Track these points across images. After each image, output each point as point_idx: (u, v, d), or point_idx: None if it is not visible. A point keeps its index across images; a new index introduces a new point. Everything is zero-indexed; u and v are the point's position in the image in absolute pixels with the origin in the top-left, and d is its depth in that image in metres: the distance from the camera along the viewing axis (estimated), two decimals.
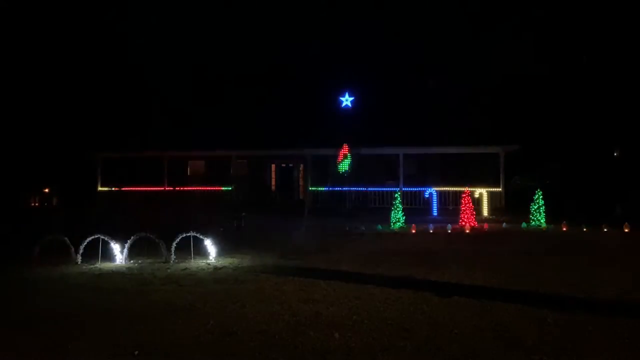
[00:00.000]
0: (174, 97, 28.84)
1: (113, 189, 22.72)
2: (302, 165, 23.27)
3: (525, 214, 15.01)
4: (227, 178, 22.46)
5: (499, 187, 20.74)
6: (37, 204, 27.88)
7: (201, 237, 9.55)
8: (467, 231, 13.34)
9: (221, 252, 9.98)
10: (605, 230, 13.16)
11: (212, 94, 28.28)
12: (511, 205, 19.83)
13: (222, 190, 21.78)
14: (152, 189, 23.28)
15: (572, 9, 30.68)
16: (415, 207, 19.57)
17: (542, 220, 14.41)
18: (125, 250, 9.39)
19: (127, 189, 22.74)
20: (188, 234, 9.53)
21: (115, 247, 9.32)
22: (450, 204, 19.80)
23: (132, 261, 9.33)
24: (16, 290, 7.19)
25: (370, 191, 19.54)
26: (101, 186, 22.88)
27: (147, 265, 8.97)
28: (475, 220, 14.82)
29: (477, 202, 17.21)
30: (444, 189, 20.72)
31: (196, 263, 9.10)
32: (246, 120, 24.58)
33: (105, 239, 9.43)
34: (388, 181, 22.92)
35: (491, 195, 19.28)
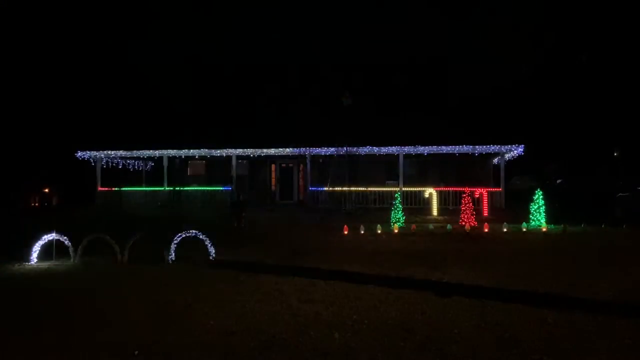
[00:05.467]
0: (174, 97, 28.86)
1: (113, 188, 22.73)
2: (302, 165, 23.27)
3: (525, 214, 15.00)
4: (227, 178, 22.48)
5: (499, 187, 20.74)
6: (37, 204, 27.89)
7: (201, 237, 9.54)
8: (467, 231, 13.33)
9: (221, 252, 9.97)
10: (605, 230, 13.15)
11: (213, 94, 28.29)
12: (511, 205, 19.83)
13: (222, 190, 21.81)
14: (152, 188, 23.29)
15: (572, 9, 30.69)
16: (415, 207, 19.57)
17: (542, 221, 14.40)
18: (126, 250, 9.39)
19: (127, 188, 22.75)
20: (188, 234, 9.53)
21: (116, 247, 9.32)
22: (450, 204, 19.80)
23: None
24: (15, 290, 7.19)
25: (370, 191, 19.52)
26: (101, 186, 22.88)
27: (147, 265, 8.96)
28: (475, 220, 14.81)
29: (477, 202, 17.19)
30: (444, 189, 20.73)
31: (196, 263, 9.09)
32: (246, 120, 24.60)
33: (106, 239, 9.42)
34: (388, 181, 22.93)
35: (491, 195, 19.27)
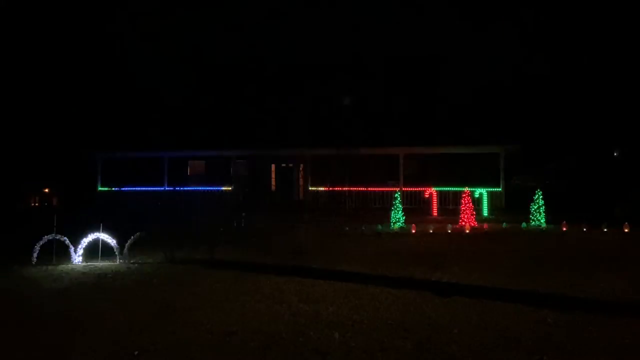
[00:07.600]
0: (174, 96, 28.83)
1: (113, 189, 22.74)
2: (302, 165, 23.26)
3: (525, 214, 15.00)
4: (227, 178, 22.47)
5: (499, 187, 20.73)
6: (37, 204, 27.90)
7: (201, 237, 9.55)
8: (467, 231, 13.33)
9: (221, 252, 9.98)
10: (604, 230, 13.15)
11: (212, 94, 28.26)
12: (511, 205, 19.81)
13: (222, 190, 21.80)
14: (153, 189, 23.27)
15: (572, 9, 30.70)
16: (415, 207, 19.56)
17: (542, 220, 14.40)
18: (126, 250, 9.40)
19: (127, 189, 22.74)
20: (187, 234, 9.54)
21: (116, 247, 9.33)
22: (450, 204, 19.80)
23: (132, 261, 9.33)
24: (16, 290, 7.20)
25: (370, 191, 19.50)
26: (101, 186, 22.88)
27: (147, 265, 8.97)
28: (475, 220, 14.81)
29: (477, 202, 17.19)
30: (444, 189, 20.71)
31: (197, 262, 9.09)
32: (246, 120, 24.58)
33: (107, 239, 9.43)
34: (388, 181, 22.91)
35: (491, 195, 19.27)
